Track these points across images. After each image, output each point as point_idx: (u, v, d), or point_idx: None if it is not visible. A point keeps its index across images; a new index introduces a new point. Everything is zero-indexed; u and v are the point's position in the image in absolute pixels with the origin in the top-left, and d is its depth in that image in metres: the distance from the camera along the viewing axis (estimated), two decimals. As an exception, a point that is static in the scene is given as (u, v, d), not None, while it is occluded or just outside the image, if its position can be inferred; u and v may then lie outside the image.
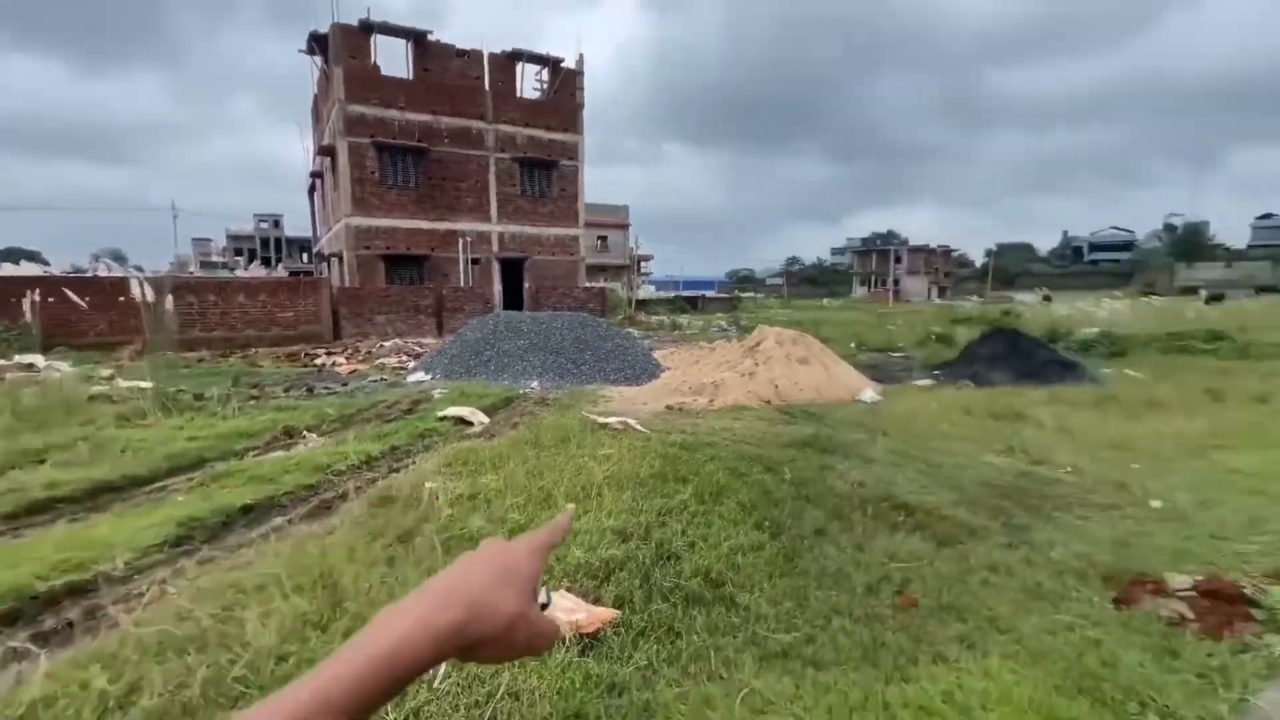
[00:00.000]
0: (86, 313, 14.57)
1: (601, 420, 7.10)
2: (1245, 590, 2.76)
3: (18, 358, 10.23)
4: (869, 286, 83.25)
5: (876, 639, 2.70)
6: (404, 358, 13.87)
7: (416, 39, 19.28)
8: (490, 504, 4.33)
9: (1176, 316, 19.59)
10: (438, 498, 4.46)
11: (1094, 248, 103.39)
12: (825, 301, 64.98)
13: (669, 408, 8.93)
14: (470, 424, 7.86)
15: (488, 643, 0.44)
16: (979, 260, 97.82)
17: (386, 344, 15.69)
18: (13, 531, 4.06)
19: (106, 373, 10.35)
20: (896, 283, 79.10)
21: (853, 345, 19.18)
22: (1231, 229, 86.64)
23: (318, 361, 13.54)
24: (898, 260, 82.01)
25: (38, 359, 10.21)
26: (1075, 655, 2.47)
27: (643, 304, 45.97)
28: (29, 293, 12.89)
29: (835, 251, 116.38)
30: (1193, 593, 2.90)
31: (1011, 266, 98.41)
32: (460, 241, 19.98)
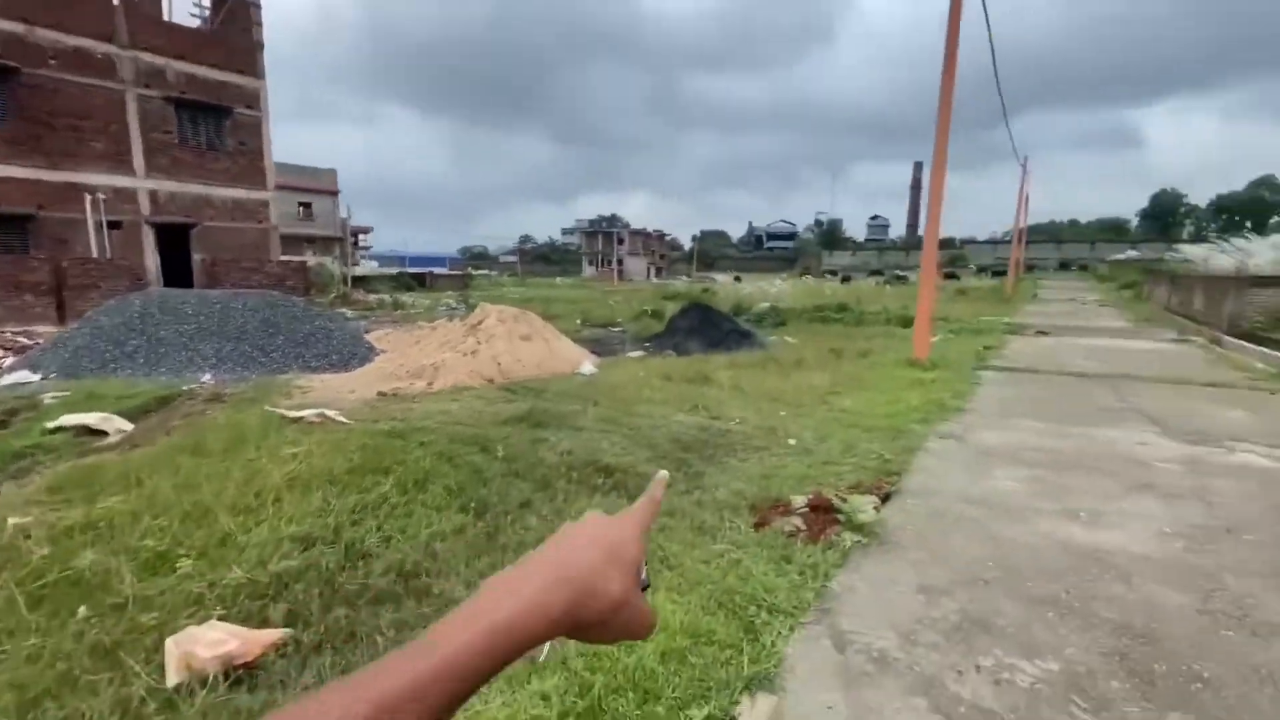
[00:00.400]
0: None
1: (293, 414, 6.22)
2: (834, 501, 3.57)
3: None
4: (596, 266, 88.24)
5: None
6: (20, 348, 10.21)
7: (-11, -87, 13.74)
8: (116, 532, 3.45)
9: (819, 293, 24.99)
10: (28, 535, 3.40)
11: (769, 236, 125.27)
12: (558, 280, 67.06)
13: (381, 394, 8.24)
14: (104, 433, 6.21)
15: (594, 625, 0.43)
16: (687, 244, 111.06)
17: (-35, 335, 11.35)
18: None
19: None
20: (620, 263, 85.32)
21: (578, 321, 20.19)
22: (856, 225, 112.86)
23: None
24: (620, 242, 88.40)
25: None
26: (720, 576, 2.92)
27: (361, 281, 41.56)
28: None
29: (566, 231, 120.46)
30: (805, 509, 3.67)
31: (712, 251, 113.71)
32: (87, 199, 15.20)
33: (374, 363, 10.61)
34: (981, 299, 28.15)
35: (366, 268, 51.64)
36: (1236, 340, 12.92)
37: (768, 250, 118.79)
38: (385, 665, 0.36)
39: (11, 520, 3.47)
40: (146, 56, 16.32)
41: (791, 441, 5.64)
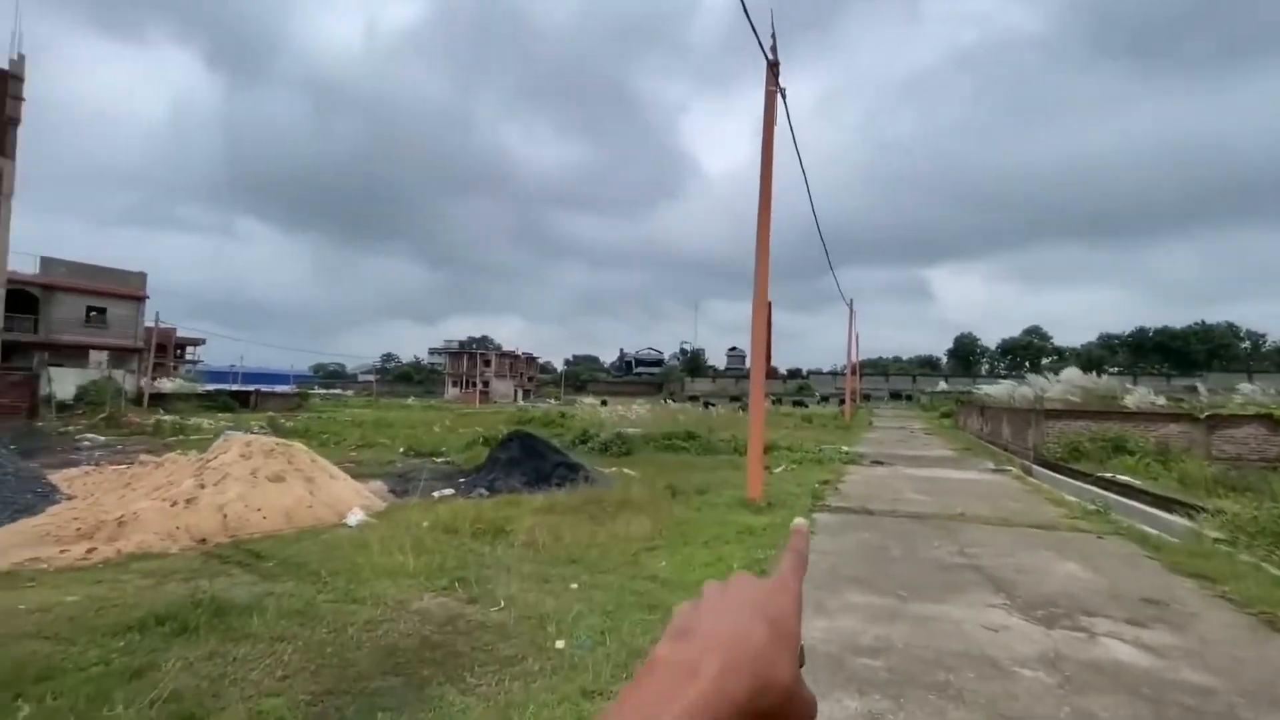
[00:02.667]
0: None
1: None
2: None
3: None
4: (461, 387, 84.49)
5: None
6: None
7: None
8: None
9: (672, 419, 24.43)
10: None
11: (638, 363, 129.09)
12: (410, 400, 62.48)
13: (-11, 573, 5.47)
14: None
15: (760, 717, 0.34)
16: (560, 367, 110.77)
17: None
18: None
19: None
20: (486, 384, 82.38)
21: (401, 450, 17.60)
22: (717, 354, 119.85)
23: None
24: (487, 364, 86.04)
25: None
26: None
27: (162, 398, 35.30)
28: None
29: (433, 351, 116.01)
30: None
31: (583, 374, 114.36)
32: None
33: (44, 513, 7.58)
34: (824, 426, 29.22)
35: (177, 383, 44.58)
36: (1043, 469, 13.52)
37: (636, 375, 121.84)
38: None
39: None
40: None
41: (559, 645, 3.93)
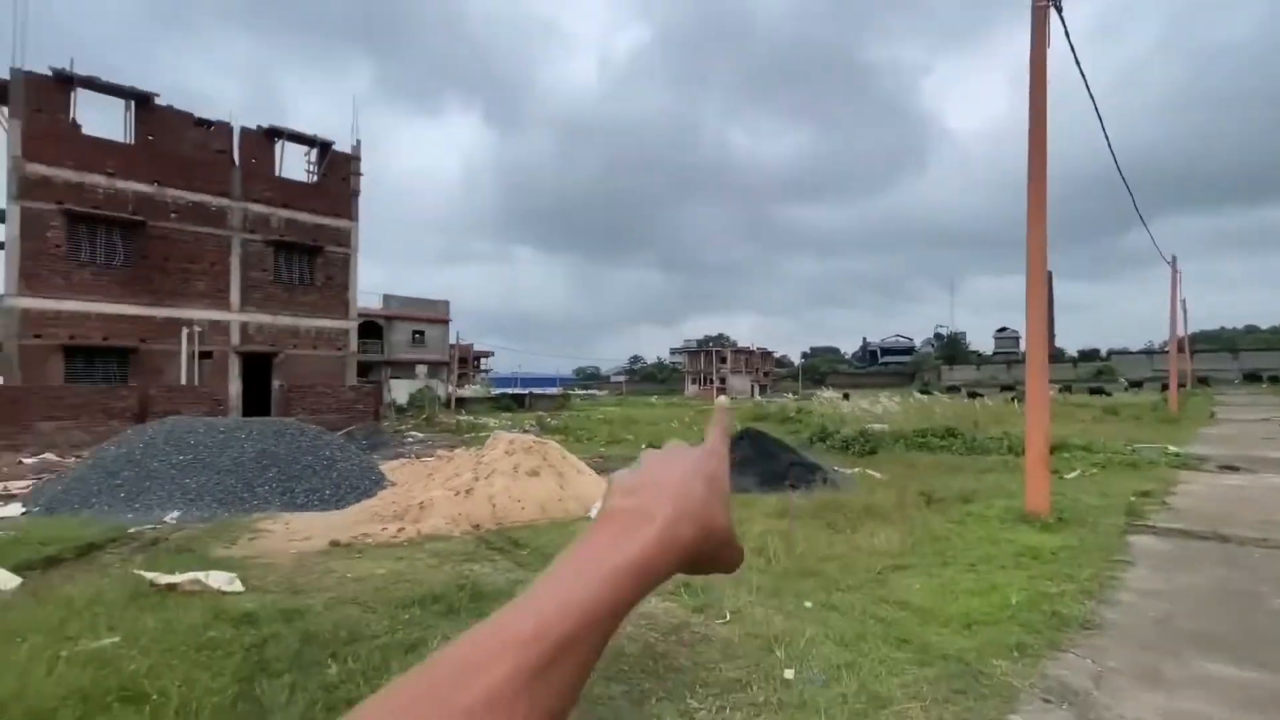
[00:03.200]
0: None
1: (165, 581, 5.02)
2: None
3: None
4: (699, 384, 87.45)
5: None
6: (44, 478, 10.38)
7: (140, 101, 16.52)
8: None
9: (926, 413, 21.68)
10: None
11: (884, 351, 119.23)
12: (653, 399, 66.49)
13: (334, 543, 6.98)
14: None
15: (707, 558, 0.41)
16: (797, 360, 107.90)
17: (28, 460, 11.86)
18: None
19: None
20: (723, 380, 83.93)
21: (643, 446, 18.60)
22: (982, 338, 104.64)
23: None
24: (723, 361, 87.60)
25: None
26: None
27: (463, 401, 43.13)
28: None
29: (674, 351, 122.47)
30: None
31: (822, 366, 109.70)
32: (184, 332, 16.55)
33: (374, 497, 9.56)
34: (1137, 419, 23.25)
35: (473, 390, 53.94)
36: None
37: (883, 365, 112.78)
38: (518, 605, 0.33)
39: None
40: (256, 207, 18.36)
41: (788, 674, 3.51)
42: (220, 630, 4.10)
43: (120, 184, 16.05)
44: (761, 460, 10.77)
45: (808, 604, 4.74)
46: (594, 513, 8.13)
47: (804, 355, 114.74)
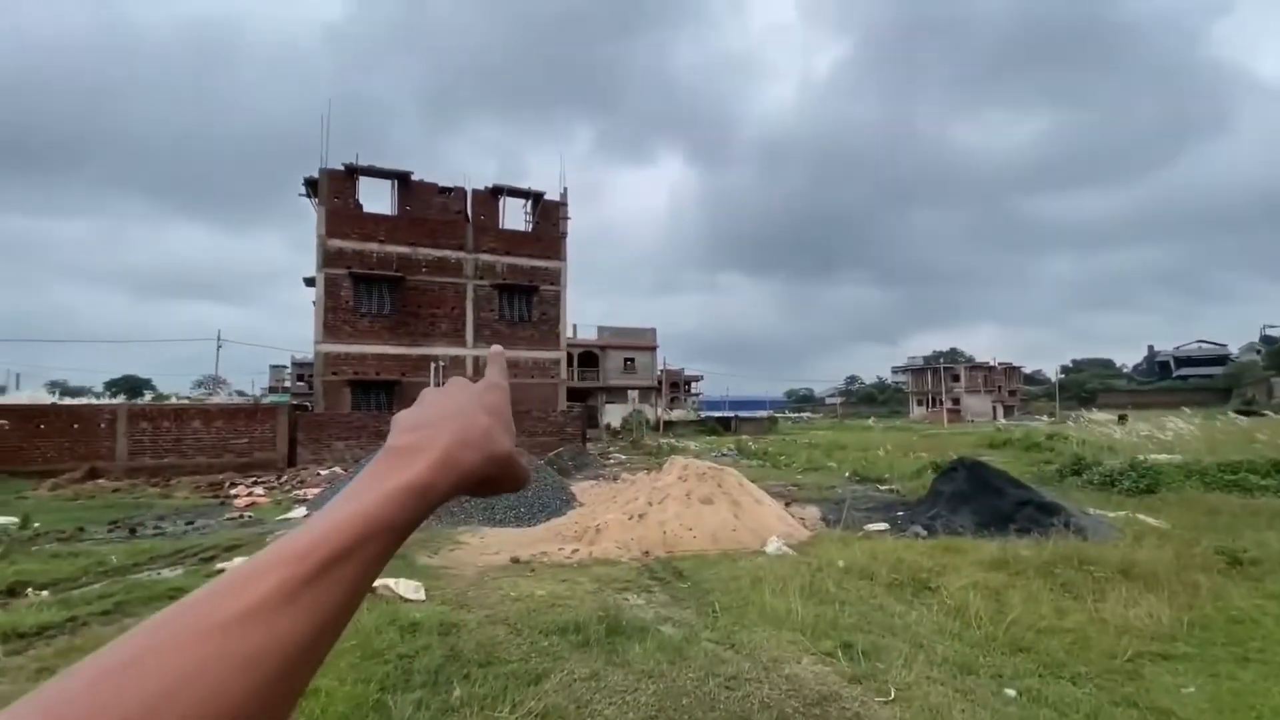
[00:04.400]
0: (41, 438, 14.73)
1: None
2: None
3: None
4: (926, 405, 78.81)
5: None
6: (325, 488, 12.99)
7: (400, 179, 20.57)
8: None
9: (1242, 440, 16.36)
10: None
11: (1181, 362, 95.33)
12: (871, 421, 61.25)
13: (515, 560, 7.43)
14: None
15: (490, 479, 0.44)
16: (1055, 375, 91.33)
17: (323, 472, 14.95)
18: None
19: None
20: (956, 401, 74.50)
21: (846, 474, 17.02)
22: (1337, 340, 78.24)
23: (234, 492, 12.84)
24: (955, 379, 77.88)
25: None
26: None
27: (670, 425, 44.51)
28: None
29: (896, 370, 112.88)
30: None
31: (1089, 382, 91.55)
32: (432, 366, 19.75)
33: (564, 517, 10.08)
34: None
35: (681, 413, 55.41)
36: None
37: (1179, 380, 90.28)
38: (311, 523, 0.34)
39: None
40: (485, 256, 21.32)
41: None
42: (387, 636, 4.47)
43: (388, 248, 20.06)
44: (981, 495, 9.04)
45: (1010, 691, 3.68)
46: (770, 547, 7.51)
47: (1064, 370, 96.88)
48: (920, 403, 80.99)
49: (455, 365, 20.46)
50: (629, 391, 48.85)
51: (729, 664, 4.09)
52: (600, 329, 50.44)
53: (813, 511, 11.25)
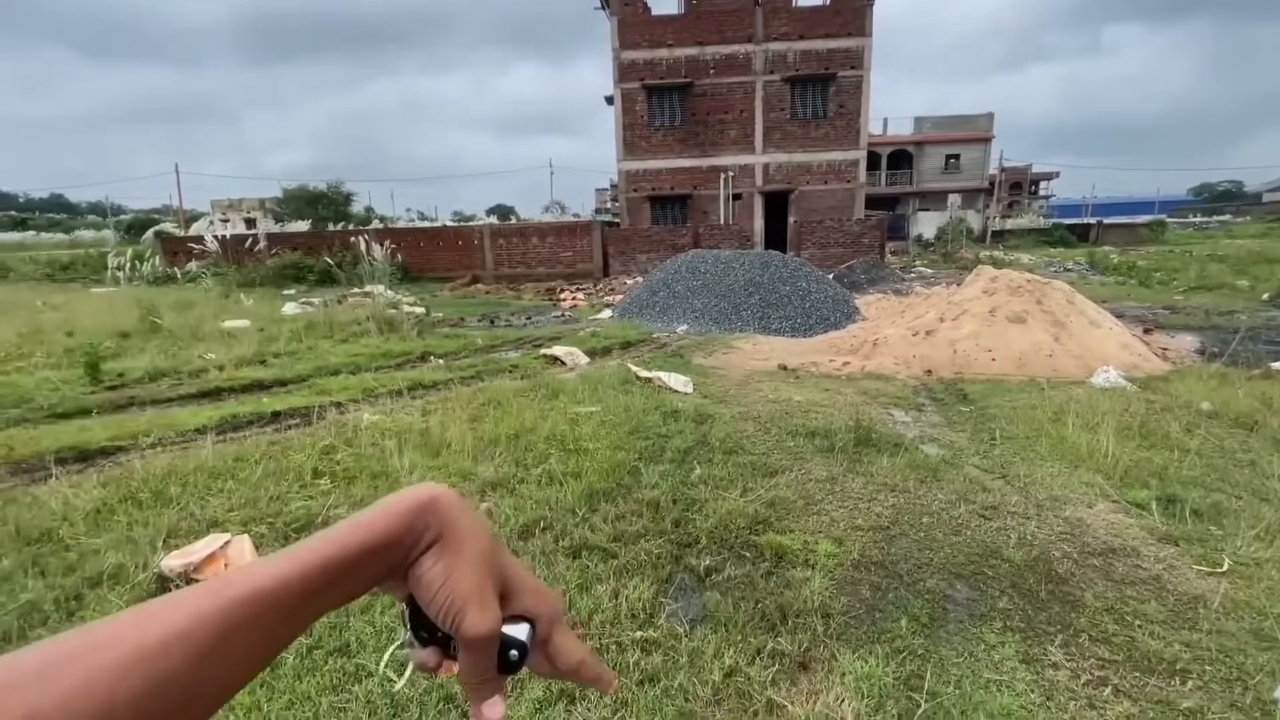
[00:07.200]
0: (442, 252, 19.60)
1: (644, 375, 6.50)
2: None
3: (368, 287, 14.60)
4: None
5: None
6: (628, 295, 14.68)
7: (685, -33, 18.87)
8: (389, 442, 4.46)
9: None
10: (360, 426, 4.87)
11: None
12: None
13: (782, 367, 7.52)
14: (564, 363, 8.09)
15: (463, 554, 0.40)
16: None
17: (629, 281, 16.80)
18: (164, 407, 5.97)
19: (410, 299, 13.92)
20: None
21: (1265, 297, 12.27)
22: None
23: (561, 296, 15.48)
24: None
25: (376, 287, 14.36)
26: None
27: (1001, 234, 37.50)
28: (384, 241, 17.97)
29: None
30: None
31: None
32: (721, 177, 19.47)
33: (843, 329, 9.67)
34: None
35: (1019, 221, 45.97)
36: None
37: None
38: (280, 555, 0.34)
39: (365, 417, 5.12)
40: (775, 45, 19.05)
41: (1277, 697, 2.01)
42: (652, 418, 5.05)
43: (676, 52, 19.42)
44: None
45: None
46: (1098, 378, 6.11)
47: None
48: None
49: (745, 175, 19.95)
50: (949, 196, 41.97)
51: (991, 493, 3.60)
52: (917, 121, 42.87)
53: (1184, 341, 8.65)
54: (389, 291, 14.33)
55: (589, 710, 1.97)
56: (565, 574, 2.73)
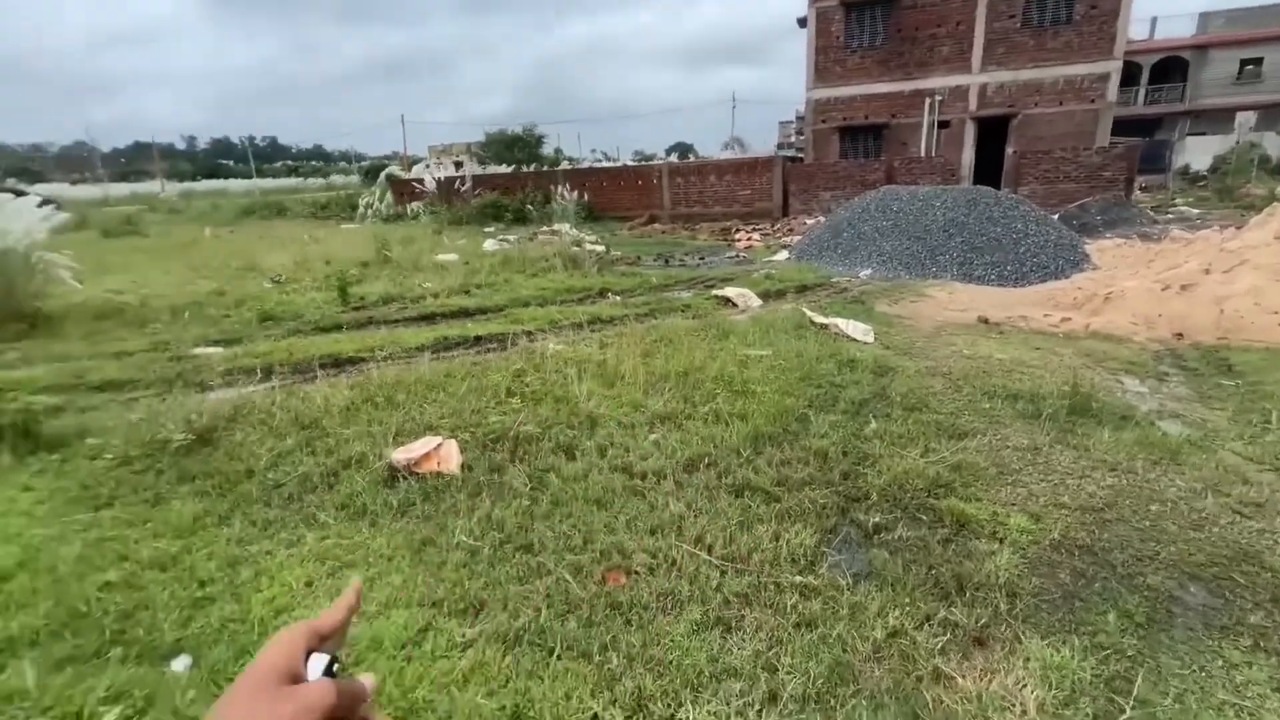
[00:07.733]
0: (622, 192, 20.13)
1: (820, 321, 6.22)
2: None
3: (556, 225, 15.56)
4: None
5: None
6: (808, 236, 13.88)
7: None
8: (568, 369, 4.87)
9: None
10: (547, 354, 5.33)
11: None
12: None
13: (982, 320, 6.70)
14: (735, 305, 8.04)
15: None
16: None
17: (809, 221, 15.86)
18: (393, 326, 7.06)
19: (592, 237, 14.61)
20: None
21: None
22: None
23: (736, 236, 15.13)
24: None
25: (562, 226, 15.26)
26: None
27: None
28: (569, 182, 18.79)
29: None
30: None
31: None
32: (926, 103, 17.06)
33: (1067, 279, 8.28)
34: None
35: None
36: None
37: None
38: None
39: (551, 346, 5.55)
40: (1009, -63, 15.88)
41: None
42: (826, 365, 4.84)
43: (881, -40, 17.13)
44: None
45: None
46: None
47: None
48: None
49: (955, 98, 17.34)
50: (1238, 115, 33.05)
51: (1256, 487, 2.93)
52: (1203, 18, 33.68)
53: None
54: (573, 230, 15.16)
55: (743, 640, 2.02)
56: (727, 509, 2.78)
